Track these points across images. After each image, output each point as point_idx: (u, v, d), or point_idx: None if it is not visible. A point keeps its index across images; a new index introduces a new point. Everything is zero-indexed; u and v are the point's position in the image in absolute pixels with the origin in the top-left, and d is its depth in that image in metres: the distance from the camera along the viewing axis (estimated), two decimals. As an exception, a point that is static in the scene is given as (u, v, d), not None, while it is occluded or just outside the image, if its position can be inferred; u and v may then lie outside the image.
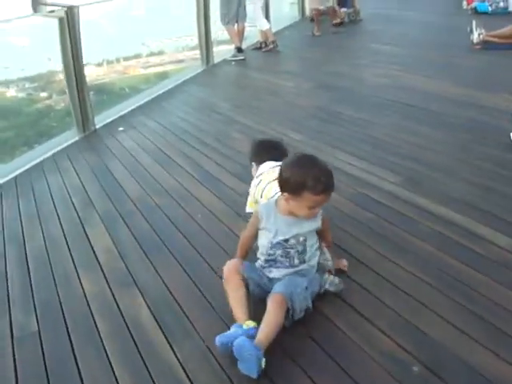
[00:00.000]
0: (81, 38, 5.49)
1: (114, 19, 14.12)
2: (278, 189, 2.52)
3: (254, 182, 3.04)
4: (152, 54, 15.90)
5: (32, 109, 13.08)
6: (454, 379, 2.09)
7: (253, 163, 3.19)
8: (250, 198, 3.13)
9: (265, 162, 3.06)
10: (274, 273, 2.57)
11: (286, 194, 2.42)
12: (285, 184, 2.42)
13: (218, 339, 2.29)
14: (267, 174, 2.95)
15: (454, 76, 6.33)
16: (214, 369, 2.28)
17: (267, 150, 3.17)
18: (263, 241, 2.60)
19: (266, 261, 2.59)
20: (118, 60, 15.09)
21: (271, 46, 9.07)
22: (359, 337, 2.37)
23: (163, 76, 14.01)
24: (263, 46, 9.25)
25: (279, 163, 2.70)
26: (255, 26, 9.46)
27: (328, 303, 2.60)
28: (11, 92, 13.71)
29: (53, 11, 5.44)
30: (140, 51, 15.81)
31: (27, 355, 2.53)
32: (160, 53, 15.96)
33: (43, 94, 13.45)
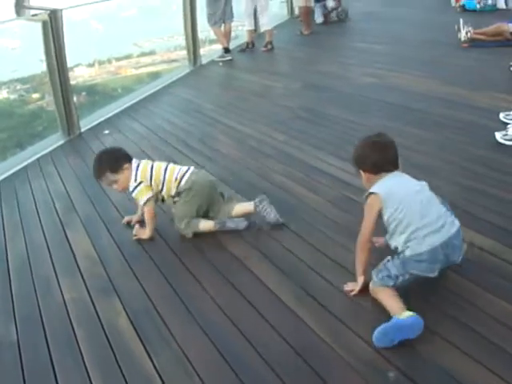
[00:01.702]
0: (65, 41, 5.47)
1: (105, 20, 14.08)
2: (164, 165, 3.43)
3: (140, 172, 3.36)
4: (144, 54, 15.87)
5: (24, 110, 13.03)
6: (430, 385, 2.08)
7: (124, 166, 3.36)
8: (142, 187, 3.33)
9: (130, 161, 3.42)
10: None
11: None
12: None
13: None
14: (145, 161, 3.46)
15: (441, 74, 6.31)
16: (189, 377, 2.27)
17: (125, 154, 3.48)
18: None
19: None
20: (109, 60, 15.06)
21: (270, 47, 9.04)
22: (336, 342, 2.35)
23: (156, 76, 13.97)
24: (250, 46, 9.21)
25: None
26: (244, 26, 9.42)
27: (308, 309, 2.59)
28: (3, 93, 13.67)
29: (36, 15, 5.41)
30: (131, 51, 15.77)
31: (5, 364, 2.52)
32: (151, 52, 15.93)
33: (35, 96, 13.41)
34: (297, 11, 11.76)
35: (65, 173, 4.70)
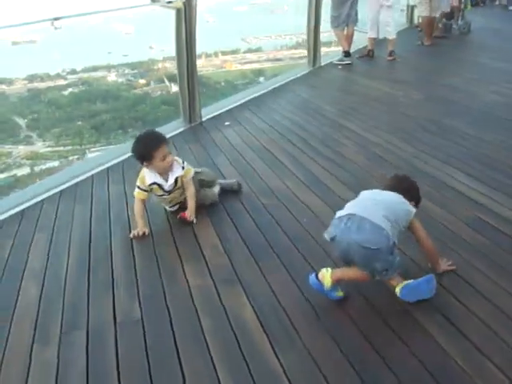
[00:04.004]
0: (196, 30, 5.54)
1: (216, 13, 14.33)
2: None
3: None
4: (249, 51, 16.07)
5: (130, 94, 13.51)
6: None
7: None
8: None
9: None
10: None
11: None
12: None
13: None
14: None
15: None
16: (317, 380, 2.23)
17: None
18: None
19: None
20: (216, 54, 15.36)
21: (394, 55, 8.77)
22: (472, 369, 2.24)
23: (260, 73, 14.11)
24: (370, 54, 9.01)
25: None
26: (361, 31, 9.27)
27: (446, 333, 2.47)
28: (112, 76, 14.22)
29: (171, 2, 5.51)
30: (238, 46, 16.03)
31: (129, 341, 2.55)
32: (257, 49, 16.12)
33: (142, 81, 13.88)
34: (416, 20, 11.53)
35: (185, 158, 4.64)
